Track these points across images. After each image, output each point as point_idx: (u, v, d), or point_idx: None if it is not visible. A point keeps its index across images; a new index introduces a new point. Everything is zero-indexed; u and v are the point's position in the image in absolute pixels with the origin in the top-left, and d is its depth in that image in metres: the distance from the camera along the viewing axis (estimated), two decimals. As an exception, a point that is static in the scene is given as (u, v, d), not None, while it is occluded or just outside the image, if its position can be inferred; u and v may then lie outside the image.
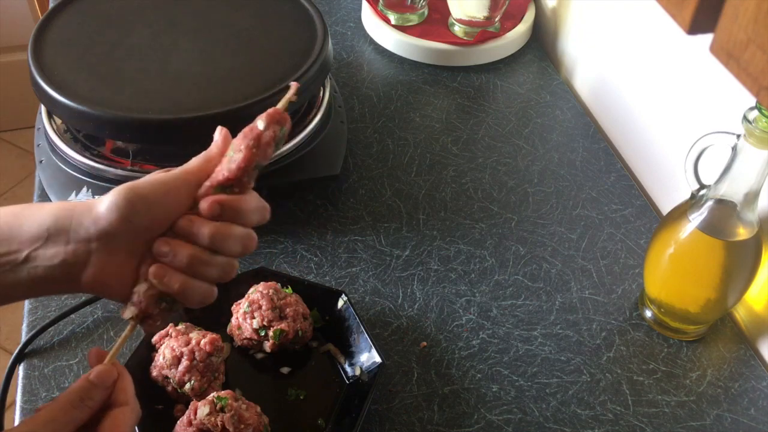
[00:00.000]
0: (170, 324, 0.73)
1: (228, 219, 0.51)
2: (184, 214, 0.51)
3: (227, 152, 0.52)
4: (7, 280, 0.49)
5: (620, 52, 1.02)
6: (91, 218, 0.49)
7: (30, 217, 0.50)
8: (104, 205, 0.49)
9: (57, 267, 0.49)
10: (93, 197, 0.83)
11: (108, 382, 0.49)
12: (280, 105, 0.53)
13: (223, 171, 0.51)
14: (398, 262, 0.86)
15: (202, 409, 0.64)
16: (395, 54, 1.15)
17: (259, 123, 0.52)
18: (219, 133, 0.54)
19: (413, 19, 1.16)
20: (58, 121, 0.87)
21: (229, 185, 0.51)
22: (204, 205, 0.50)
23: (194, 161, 0.53)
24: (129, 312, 0.52)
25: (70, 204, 0.51)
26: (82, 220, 0.50)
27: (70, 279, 0.50)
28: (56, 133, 0.86)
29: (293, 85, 0.54)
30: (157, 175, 0.51)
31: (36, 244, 0.49)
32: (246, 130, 0.52)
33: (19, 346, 0.76)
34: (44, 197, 0.86)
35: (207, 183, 0.52)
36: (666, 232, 0.75)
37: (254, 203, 0.52)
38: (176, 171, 0.52)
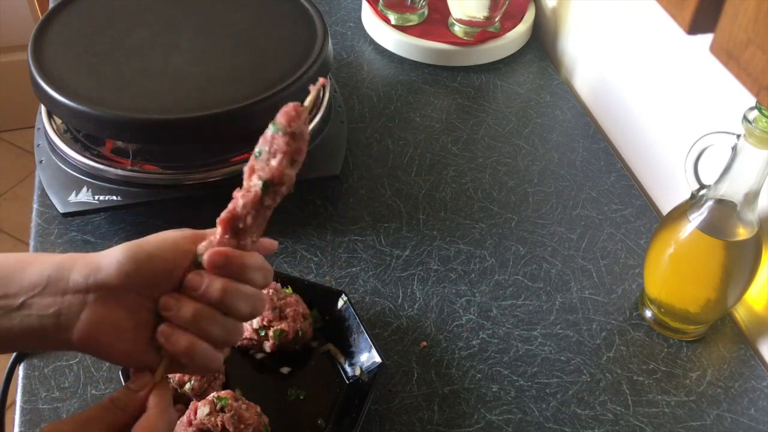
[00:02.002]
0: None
1: (233, 274, 0.49)
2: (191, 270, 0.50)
3: (255, 152, 0.50)
4: None
5: (620, 52, 1.02)
6: (91, 269, 0.48)
7: (34, 264, 0.49)
8: (107, 257, 0.48)
9: (50, 317, 0.47)
10: (93, 197, 0.83)
11: (140, 388, 0.49)
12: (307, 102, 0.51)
13: (264, 169, 0.49)
14: (398, 262, 0.86)
15: (202, 409, 0.64)
16: (395, 54, 1.15)
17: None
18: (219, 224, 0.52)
19: (413, 19, 1.16)
20: (58, 121, 0.87)
21: (273, 184, 0.49)
22: (206, 256, 0.49)
23: (207, 231, 0.52)
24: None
25: (76, 255, 0.49)
26: (83, 271, 0.48)
27: (61, 331, 0.48)
28: (56, 133, 0.86)
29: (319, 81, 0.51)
30: (167, 233, 0.50)
31: (34, 291, 0.48)
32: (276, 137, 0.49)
33: (19, 346, 0.75)
34: (44, 197, 0.86)
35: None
36: (666, 232, 0.75)
37: (258, 261, 0.51)
38: (188, 231, 0.51)
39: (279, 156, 0.49)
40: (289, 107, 0.49)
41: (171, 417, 0.49)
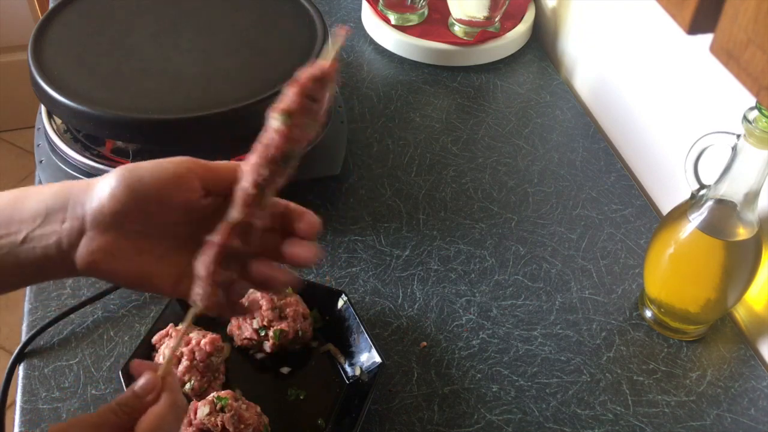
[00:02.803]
0: (170, 324, 0.73)
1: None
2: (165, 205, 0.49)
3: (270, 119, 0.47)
4: (5, 263, 0.48)
5: (620, 52, 1.02)
6: (88, 196, 0.48)
7: (31, 197, 0.49)
8: (100, 185, 0.48)
9: (52, 247, 0.48)
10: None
11: (147, 392, 0.48)
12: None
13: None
14: (398, 262, 0.86)
15: (202, 409, 0.65)
16: (395, 54, 1.15)
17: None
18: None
19: (413, 19, 1.16)
20: (58, 121, 0.87)
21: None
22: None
23: (214, 162, 0.51)
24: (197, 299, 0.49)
25: (71, 183, 0.50)
26: (79, 198, 0.48)
27: (64, 259, 0.48)
28: (56, 133, 0.86)
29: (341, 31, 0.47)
30: (161, 160, 0.50)
31: (34, 223, 0.48)
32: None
33: (19, 346, 0.76)
34: (44, 197, 0.86)
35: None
36: (666, 232, 0.75)
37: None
38: (185, 159, 0.50)
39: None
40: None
41: (180, 409, 0.49)
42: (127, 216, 0.48)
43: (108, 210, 0.48)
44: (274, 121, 0.47)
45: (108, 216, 0.48)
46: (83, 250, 0.48)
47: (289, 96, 0.46)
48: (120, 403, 0.47)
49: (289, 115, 0.46)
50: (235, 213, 0.48)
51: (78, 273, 0.49)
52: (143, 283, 0.51)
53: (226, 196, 0.50)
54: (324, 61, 0.46)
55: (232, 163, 0.51)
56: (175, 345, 0.52)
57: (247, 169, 0.48)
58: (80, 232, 0.48)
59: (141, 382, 0.48)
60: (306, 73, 0.46)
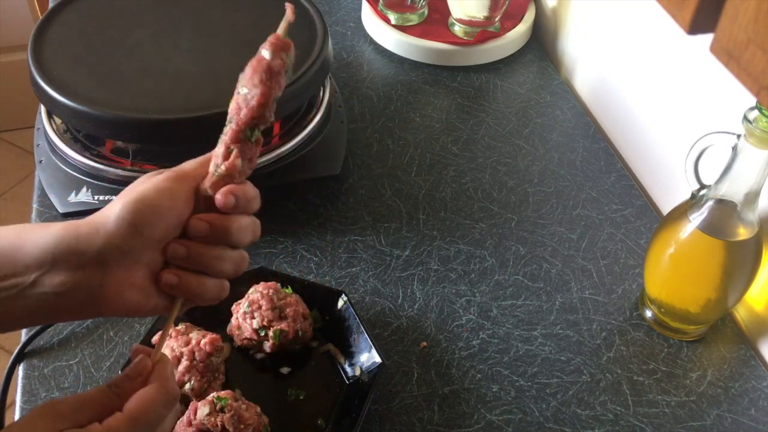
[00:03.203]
0: (170, 324, 0.73)
1: (240, 208, 0.51)
2: (192, 215, 0.50)
3: (238, 89, 0.51)
4: (13, 305, 0.47)
5: (620, 52, 1.02)
6: (102, 237, 0.47)
7: (32, 239, 0.48)
8: (112, 221, 0.48)
9: (68, 293, 0.47)
10: (93, 197, 0.83)
11: (137, 373, 0.48)
12: (280, 31, 0.52)
13: (243, 111, 0.50)
14: (398, 262, 0.86)
15: (202, 409, 0.64)
16: (395, 54, 1.15)
17: (264, 53, 0.50)
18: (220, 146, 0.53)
19: (413, 19, 1.16)
20: (58, 121, 0.87)
21: (254, 125, 0.50)
22: (219, 196, 0.50)
23: (190, 163, 0.52)
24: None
25: (73, 225, 0.48)
26: (91, 240, 0.47)
27: (84, 303, 0.48)
28: (56, 133, 0.86)
29: (289, 6, 0.53)
30: (159, 182, 0.50)
31: (42, 269, 0.47)
32: (253, 62, 0.51)
33: (19, 346, 0.75)
34: (44, 197, 0.86)
35: (220, 150, 0.51)
36: (666, 232, 0.75)
37: (254, 191, 0.52)
38: (174, 174, 0.51)
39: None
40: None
41: (171, 393, 0.49)
42: (146, 245, 0.49)
43: (130, 245, 0.48)
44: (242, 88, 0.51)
45: (130, 250, 0.48)
46: (111, 290, 0.48)
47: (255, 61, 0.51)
48: (111, 384, 0.48)
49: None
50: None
51: (93, 316, 0.49)
52: (136, 308, 0.51)
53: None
54: (278, 33, 0.52)
55: (208, 157, 0.52)
56: (167, 328, 0.52)
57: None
58: (101, 275, 0.48)
59: (132, 365, 0.49)
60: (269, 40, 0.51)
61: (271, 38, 0.51)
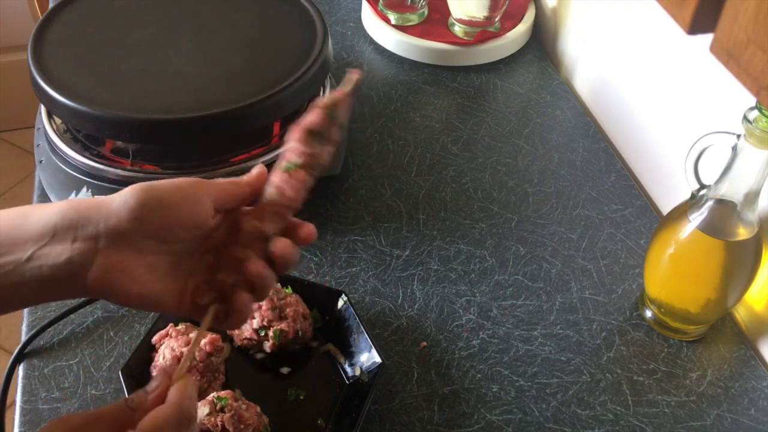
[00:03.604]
0: (170, 324, 0.73)
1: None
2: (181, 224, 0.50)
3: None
4: (10, 280, 0.47)
5: (620, 52, 1.02)
6: (101, 215, 0.48)
7: (36, 215, 0.48)
8: (116, 203, 0.48)
9: (62, 266, 0.47)
10: (93, 198, 0.82)
11: (153, 389, 0.48)
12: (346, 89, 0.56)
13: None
14: (398, 262, 0.86)
15: (202, 409, 0.64)
16: (395, 54, 1.15)
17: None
18: (256, 168, 0.55)
19: (413, 19, 1.16)
20: (58, 121, 0.87)
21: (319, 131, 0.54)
22: (305, 229, 0.55)
23: (221, 180, 0.53)
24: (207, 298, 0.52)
25: (77, 201, 0.49)
26: (90, 217, 0.48)
27: (76, 280, 0.48)
28: (56, 133, 0.86)
29: (355, 72, 0.57)
30: (176, 180, 0.50)
31: (41, 242, 0.47)
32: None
33: (19, 346, 0.76)
34: (44, 197, 0.86)
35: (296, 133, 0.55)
36: (666, 232, 0.75)
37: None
38: (198, 180, 0.51)
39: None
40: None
41: (186, 414, 0.47)
42: (144, 235, 0.49)
43: (126, 229, 0.48)
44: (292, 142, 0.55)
45: (126, 234, 0.48)
46: (97, 269, 0.48)
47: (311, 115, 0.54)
48: (128, 399, 0.47)
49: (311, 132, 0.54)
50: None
51: (87, 293, 0.49)
52: (151, 302, 0.51)
53: (228, 212, 0.53)
54: (340, 91, 0.55)
55: (237, 180, 0.53)
56: (192, 347, 0.52)
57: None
58: (94, 252, 0.47)
59: (154, 380, 0.48)
60: (325, 98, 0.55)
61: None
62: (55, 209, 0.48)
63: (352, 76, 0.56)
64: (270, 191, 0.53)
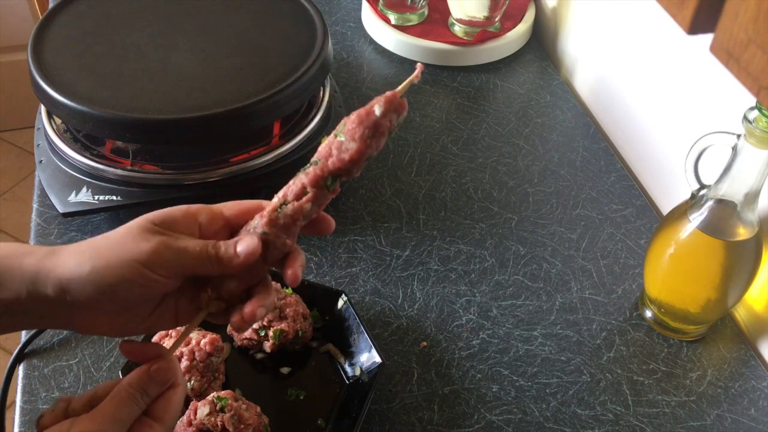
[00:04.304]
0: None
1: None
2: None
3: (336, 135, 0.48)
4: None
5: (620, 52, 1.02)
6: (62, 288, 0.47)
7: (12, 271, 0.47)
8: (72, 280, 0.46)
9: (43, 319, 0.48)
10: (93, 197, 0.82)
11: (165, 380, 0.48)
12: (400, 89, 0.49)
13: (333, 159, 0.48)
14: (398, 262, 0.86)
15: (202, 409, 0.64)
16: (395, 54, 1.15)
17: (377, 108, 0.48)
18: (242, 246, 0.50)
19: (413, 19, 1.16)
20: (58, 121, 0.87)
21: (338, 175, 0.48)
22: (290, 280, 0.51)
23: (184, 243, 0.49)
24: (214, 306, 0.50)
25: (48, 266, 0.47)
26: (55, 289, 0.47)
27: (59, 325, 0.49)
28: (56, 133, 0.86)
29: (419, 67, 0.51)
30: (123, 249, 0.47)
31: (17, 301, 0.47)
32: (362, 113, 0.48)
33: (19, 346, 0.75)
34: (44, 197, 0.86)
35: (295, 186, 0.49)
36: (666, 232, 0.75)
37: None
38: (138, 257, 0.47)
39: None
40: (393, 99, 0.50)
41: (185, 389, 0.51)
42: (110, 310, 0.48)
43: (90, 307, 0.47)
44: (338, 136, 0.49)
45: (86, 305, 0.47)
46: (79, 324, 0.48)
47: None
48: (142, 392, 0.47)
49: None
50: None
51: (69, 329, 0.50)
52: (150, 330, 0.52)
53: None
54: (396, 92, 0.50)
55: (195, 241, 0.49)
56: (191, 328, 0.52)
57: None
58: (66, 314, 0.48)
59: (158, 370, 0.48)
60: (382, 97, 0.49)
61: (388, 94, 0.49)
62: (30, 271, 0.47)
63: (415, 75, 0.50)
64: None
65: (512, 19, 1.17)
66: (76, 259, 0.47)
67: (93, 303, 0.47)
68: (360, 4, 1.22)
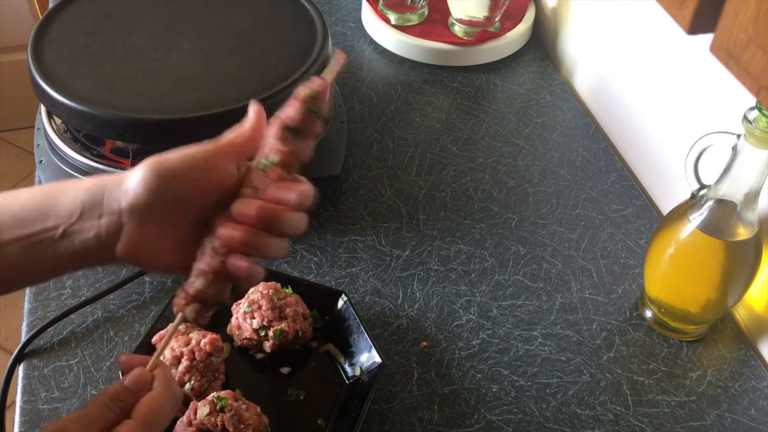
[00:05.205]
0: (170, 324, 0.73)
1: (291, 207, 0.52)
2: (238, 199, 0.51)
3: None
4: (45, 255, 0.50)
5: (620, 52, 1.02)
6: (121, 191, 0.50)
7: (65, 193, 0.51)
8: (133, 179, 0.50)
9: (92, 240, 0.50)
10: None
11: (140, 387, 0.50)
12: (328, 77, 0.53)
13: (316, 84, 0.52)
14: (398, 262, 0.86)
15: (202, 409, 0.64)
16: (395, 54, 1.15)
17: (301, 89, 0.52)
18: (252, 108, 0.54)
19: (413, 19, 1.16)
20: (58, 121, 0.87)
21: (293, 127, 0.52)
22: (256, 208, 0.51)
23: (226, 136, 0.53)
24: (190, 311, 0.52)
25: (103, 179, 0.51)
26: (113, 194, 0.50)
27: (106, 251, 0.51)
28: (56, 133, 0.86)
29: (338, 53, 0.55)
30: (187, 150, 0.52)
31: (71, 219, 0.50)
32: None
33: (19, 346, 0.76)
34: (44, 197, 0.86)
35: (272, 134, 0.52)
36: (666, 232, 0.75)
37: (300, 193, 0.53)
38: (207, 145, 0.53)
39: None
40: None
41: (176, 394, 0.51)
42: (163, 206, 0.51)
43: (143, 202, 0.50)
44: (271, 139, 0.52)
45: (146, 208, 0.50)
46: (124, 241, 0.50)
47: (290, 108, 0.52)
48: (113, 399, 0.49)
49: (290, 128, 0.52)
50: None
51: (117, 262, 0.52)
52: (178, 268, 0.53)
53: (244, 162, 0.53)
54: (321, 79, 0.52)
55: (242, 130, 0.53)
56: (167, 339, 0.53)
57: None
58: (118, 226, 0.50)
59: (131, 377, 0.50)
60: (304, 88, 0.52)
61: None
62: (83, 187, 0.51)
63: (337, 61, 0.54)
64: (247, 191, 0.52)
65: (512, 19, 1.17)
66: (140, 167, 0.50)
67: (147, 199, 0.49)
68: (360, 4, 1.22)
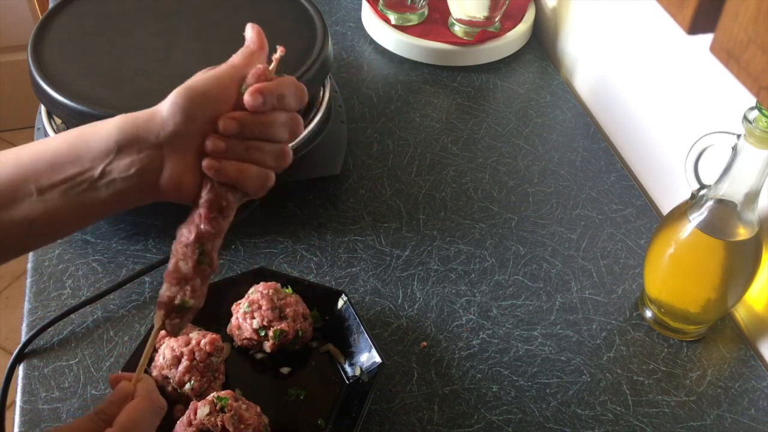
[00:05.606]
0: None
1: (274, 106, 0.52)
2: (223, 114, 0.52)
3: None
4: (87, 198, 0.50)
5: (620, 52, 1.02)
6: (158, 124, 0.51)
7: (94, 134, 0.51)
8: (167, 108, 0.51)
9: (134, 176, 0.50)
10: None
11: (122, 399, 0.51)
12: (272, 67, 0.56)
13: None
14: (398, 262, 0.86)
15: (202, 409, 0.64)
16: (395, 54, 1.15)
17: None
18: (251, 29, 0.55)
19: (413, 19, 1.16)
20: (58, 121, 0.87)
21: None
22: (248, 97, 0.51)
23: (238, 56, 0.54)
24: (157, 318, 0.53)
25: (131, 115, 0.52)
26: (149, 128, 0.51)
27: (148, 186, 0.51)
28: (56, 133, 0.86)
29: (279, 49, 0.57)
30: (208, 72, 0.53)
31: (108, 158, 0.50)
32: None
33: (19, 346, 0.76)
34: (44, 197, 0.86)
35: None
36: (666, 232, 0.75)
37: (290, 86, 0.54)
38: (225, 66, 0.53)
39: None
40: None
41: (156, 402, 0.52)
42: (197, 132, 0.51)
43: (184, 130, 0.51)
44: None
45: (185, 135, 0.51)
46: (168, 173, 0.51)
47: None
48: (98, 413, 0.50)
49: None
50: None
51: (160, 197, 0.52)
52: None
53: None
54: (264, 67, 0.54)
55: (250, 50, 0.55)
56: (149, 348, 0.54)
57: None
58: (161, 158, 0.51)
59: (115, 391, 0.51)
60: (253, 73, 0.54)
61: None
62: (113, 125, 0.51)
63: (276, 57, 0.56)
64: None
65: (512, 19, 1.17)
66: (172, 98, 0.52)
67: (185, 126, 0.50)
68: (360, 4, 1.22)
